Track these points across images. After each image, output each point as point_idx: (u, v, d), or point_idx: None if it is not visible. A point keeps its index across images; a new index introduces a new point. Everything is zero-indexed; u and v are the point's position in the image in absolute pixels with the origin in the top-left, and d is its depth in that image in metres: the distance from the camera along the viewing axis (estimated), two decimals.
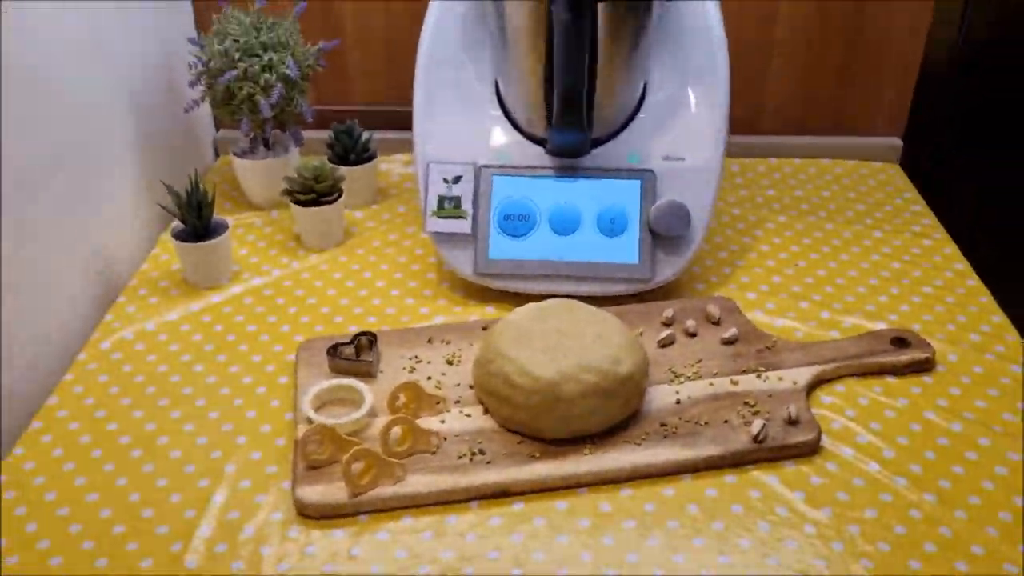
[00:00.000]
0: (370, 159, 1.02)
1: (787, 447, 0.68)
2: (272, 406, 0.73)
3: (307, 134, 1.00)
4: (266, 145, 0.99)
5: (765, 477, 0.66)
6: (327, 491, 0.63)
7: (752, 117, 1.14)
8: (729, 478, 0.66)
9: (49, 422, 0.71)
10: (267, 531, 0.61)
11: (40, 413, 0.72)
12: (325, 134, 1.01)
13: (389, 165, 1.08)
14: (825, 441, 0.69)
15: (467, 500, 0.64)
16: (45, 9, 0.78)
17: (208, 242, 0.86)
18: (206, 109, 1.04)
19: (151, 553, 0.60)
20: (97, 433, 0.70)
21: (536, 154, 0.87)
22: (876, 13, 1.07)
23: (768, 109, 1.14)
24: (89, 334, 0.81)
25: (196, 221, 0.85)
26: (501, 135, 0.87)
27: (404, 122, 0.98)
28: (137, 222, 0.94)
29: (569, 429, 0.68)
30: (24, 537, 0.61)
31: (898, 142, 1.15)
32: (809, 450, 0.69)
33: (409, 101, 0.91)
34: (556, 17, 0.75)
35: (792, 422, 0.70)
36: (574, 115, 0.80)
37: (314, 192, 0.91)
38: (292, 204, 0.92)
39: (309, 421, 0.69)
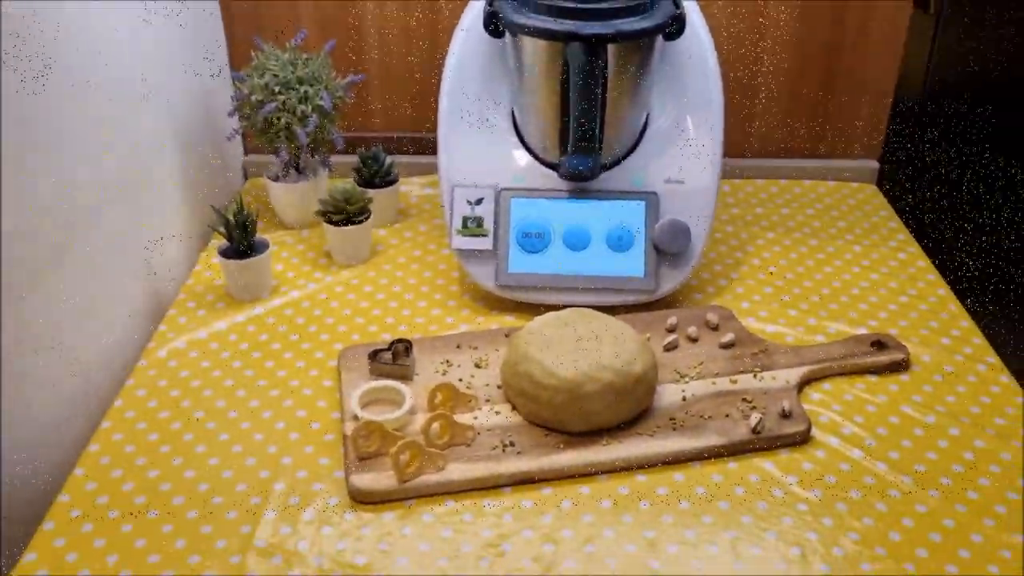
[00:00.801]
0: (393, 182, 1.09)
1: (781, 437, 0.75)
2: (319, 406, 0.80)
3: (333, 158, 1.07)
4: (297, 169, 1.06)
5: (762, 463, 0.73)
6: (377, 479, 0.70)
7: (741, 141, 1.21)
8: (731, 464, 0.73)
9: (117, 423, 0.78)
10: (325, 514, 0.69)
11: (109, 414, 0.79)
12: (348, 158, 1.07)
13: (408, 187, 1.15)
14: (815, 432, 0.76)
15: (501, 486, 0.71)
16: (105, 56, 0.85)
17: (252, 259, 0.93)
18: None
19: (224, 535, 0.67)
20: (163, 431, 0.77)
21: (550, 178, 0.94)
22: (852, 46, 1.15)
23: (756, 135, 1.21)
24: (145, 343, 0.88)
25: (242, 240, 0.92)
26: (518, 161, 0.95)
27: (419, 147, 1.06)
28: (180, 240, 1.01)
29: (589, 423, 0.75)
30: (107, 523, 0.68)
31: (875, 164, 1.22)
32: (801, 440, 0.76)
33: (423, 128, 0.98)
34: (572, 57, 0.83)
35: (785, 415, 0.77)
36: (586, 144, 0.88)
37: (346, 212, 0.98)
38: (325, 223, 0.99)
39: (356, 418, 0.76)
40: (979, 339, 0.89)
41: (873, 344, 0.86)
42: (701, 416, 0.77)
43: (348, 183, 1.02)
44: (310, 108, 0.98)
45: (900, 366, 0.84)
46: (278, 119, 0.98)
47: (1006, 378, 0.83)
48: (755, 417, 0.76)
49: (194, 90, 1.06)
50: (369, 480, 0.70)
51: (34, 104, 0.73)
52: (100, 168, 0.85)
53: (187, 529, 0.67)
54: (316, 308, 0.94)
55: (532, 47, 0.87)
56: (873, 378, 0.83)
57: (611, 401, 0.74)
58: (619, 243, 0.92)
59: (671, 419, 0.77)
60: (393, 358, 0.84)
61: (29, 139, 0.72)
